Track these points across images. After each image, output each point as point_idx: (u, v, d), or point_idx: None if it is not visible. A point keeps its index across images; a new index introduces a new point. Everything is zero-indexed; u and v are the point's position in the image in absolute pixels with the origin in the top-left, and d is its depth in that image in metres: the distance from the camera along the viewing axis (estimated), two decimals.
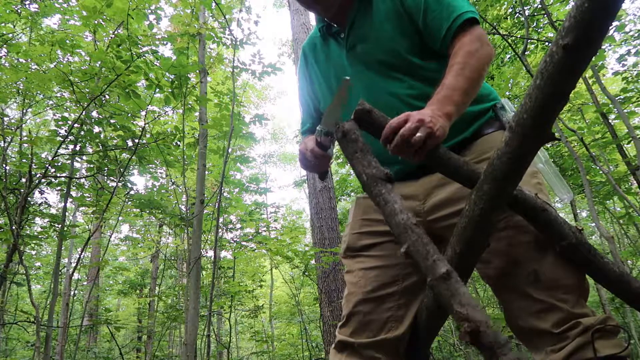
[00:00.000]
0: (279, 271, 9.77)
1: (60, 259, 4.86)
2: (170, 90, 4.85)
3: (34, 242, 5.67)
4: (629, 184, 6.33)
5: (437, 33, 1.28)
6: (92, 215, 6.84)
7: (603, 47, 5.07)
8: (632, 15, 5.88)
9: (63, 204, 5.13)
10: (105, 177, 5.81)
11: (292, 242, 7.10)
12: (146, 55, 4.47)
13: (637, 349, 8.29)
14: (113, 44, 4.50)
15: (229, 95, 5.79)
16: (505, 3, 5.94)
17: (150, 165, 6.03)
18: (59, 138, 4.66)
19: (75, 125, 4.65)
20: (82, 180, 5.59)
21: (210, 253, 7.98)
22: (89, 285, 10.73)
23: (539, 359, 1.14)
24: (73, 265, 9.90)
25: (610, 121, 5.22)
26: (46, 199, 6.90)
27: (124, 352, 10.16)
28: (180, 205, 6.15)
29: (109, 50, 4.51)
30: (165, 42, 5.61)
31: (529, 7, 5.74)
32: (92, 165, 5.11)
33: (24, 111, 5.50)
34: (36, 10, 5.21)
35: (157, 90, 4.73)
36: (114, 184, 5.29)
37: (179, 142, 5.42)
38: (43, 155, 6.73)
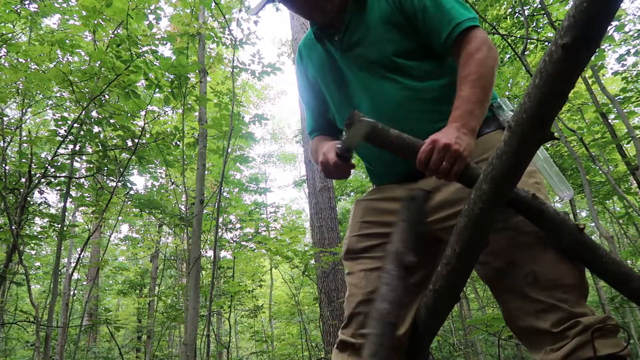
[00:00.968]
0: (278, 271, 9.76)
1: (59, 259, 4.86)
2: (169, 90, 4.85)
3: (34, 242, 5.66)
4: (629, 183, 6.34)
5: (436, 38, 1.28)
6: (91, 215, 6.83)
7: (602, 46, 5.07)
8: (631, 15, 5.88)
9: (63, 203, 5.13)
10: (105, 177, 5.81)
11: (291, 242, 7.09)
12: (146, 55, 4.47)
13: (637, 348, 8.29)
14: (113, 44, 4.50)
15: (228, 95, 5.80)
16: (505, 3, 5.94)
17: (150, 165, 6.04)
18: (58, 138, 4.66)
19: (75, 125, 4.65)
20: (82, 180, 5.59)
21: (210, 253, 7.99)
22: (89, 285, 10.73)
23: (539, 358, 1.13)
24: (73, 265, 9.90)
25: (609, 121, 5.21)
26: (46, 199, 6.90)
27: (124, 351, 10.16)
28: (179, 205, 6.16)
29: (108, 50, 4.51)
30: (164, 42, 5.61)
31: (528, 7, 5.74)
32: (91, 165, 5.10)
33: (24, 111, 5.49)
34: (36, 10, 5.21)
35: (157, 90, 4.74)
36: (114, 184, 5.29)
37: (178, 142, 5.42)
38: (43, 155, 6.73)
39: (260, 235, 7.81)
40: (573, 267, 1.15)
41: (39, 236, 5.27)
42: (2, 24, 4.92)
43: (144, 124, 4.93)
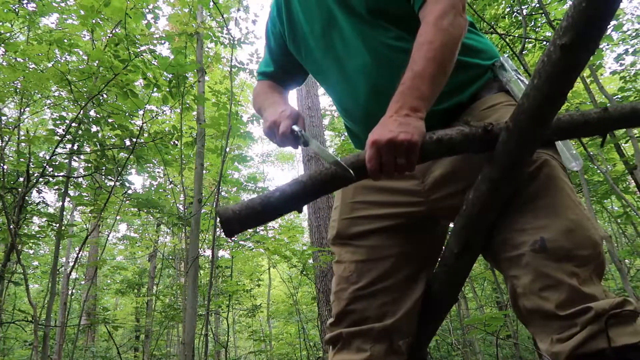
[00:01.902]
0: (276, 270, 9.78)
1: (57, 258, 4.85)
2: (168, 89, 4.84)
3: (32, 241, 5.65)
4: (627, 183, 6.35)
5: None
6: (89, 215, 6.82)
7: (601, 46, 5.07)
8: (630, 14, 5.89)
9: (61, 203, 5.13)
10: (103, 177, 5.81)
11: (289, 242, 7.11)
12: (144, 54, 4.48)
13: None
14: (111, 43, 4.50)
15: (226, 95, 5.79)
16: (503, 2, 5.94)
17: (148, 165, 6.04)
18: (56, 137, 4.66)
19: (73, 124, 4.65)
20: (80, 179, 5.59)
21: (208, 252, 7.97)
22: (87, 284, 10.70)
23: (544, 349, 0.98)
24: (71, 264, 9.89)
25: None
26: (44, 198, 6.89)
27: (122, 351, 10.14)
28: (178, 205, 6.15)
29: (106, 50, 4.51)
30: (163, 42, 5.60)
31: (526, 6, 5.73)
32: (89, 165, 5.10)
33: (22, 110, 5.49)
34: (34, 9, 5.20)
35: (155, 89, 4.73)
36: (112, 183, 5.29)
37: (176, 142, 5.42)
38: (41, 155, 6.73)
39: (259, 235, 7.81)
40: (591, 234, 1.00)
41: (37, 235, 5.27)
42: (0, 23, 4.91)
43: (142, 123, 4.92)
